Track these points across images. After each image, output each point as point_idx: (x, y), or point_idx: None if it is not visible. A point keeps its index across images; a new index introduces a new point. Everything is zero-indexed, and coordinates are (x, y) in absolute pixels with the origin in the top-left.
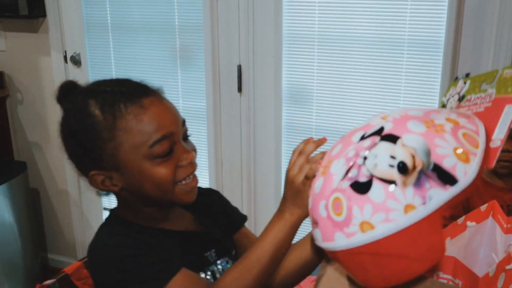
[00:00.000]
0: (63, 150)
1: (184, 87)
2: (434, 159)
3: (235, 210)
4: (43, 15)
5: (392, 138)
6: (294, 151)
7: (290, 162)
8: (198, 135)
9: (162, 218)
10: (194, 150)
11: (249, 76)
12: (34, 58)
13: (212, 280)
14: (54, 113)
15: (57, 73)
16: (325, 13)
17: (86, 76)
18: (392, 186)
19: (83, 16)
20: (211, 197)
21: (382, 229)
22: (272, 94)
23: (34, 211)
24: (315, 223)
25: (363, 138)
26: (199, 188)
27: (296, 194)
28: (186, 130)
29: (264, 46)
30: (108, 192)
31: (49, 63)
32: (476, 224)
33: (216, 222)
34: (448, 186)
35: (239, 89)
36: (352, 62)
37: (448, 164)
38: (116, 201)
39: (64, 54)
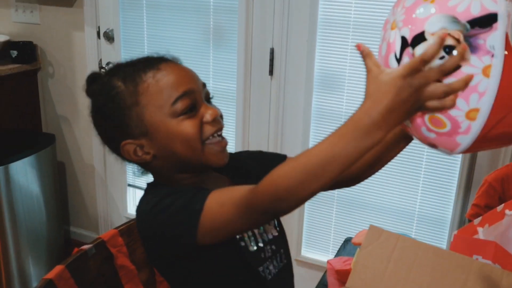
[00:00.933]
0: (96, 134)
1: (216, 68)
2: (463, 18)
3: (271, 155)
4: None
5: (419, 38)
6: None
7: (411, 67)
8: (227, 116)
9: (200, 183)
10: (219, 111)
11: (281, 59)
12: (68, 33)
13: (254, 245)
14: (83, 88)
15: (89, 48)
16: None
17: (118, 52)
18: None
19: None
20: (243, 157)
21: (484, 103)
22: (303, 79)
23: (60, 184)
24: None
25: (399, 60)
26: (230, 153)
27: (410, 105)
28: (208, 92)
29: (298, 30)
30: (142, 164)
31: (82, 38)
32: None
33: (252, 182)
34: (494, 25)
35: (271, 72)
36: None
37: (475, 10)
38: (148, 177)
39: (98, 29)
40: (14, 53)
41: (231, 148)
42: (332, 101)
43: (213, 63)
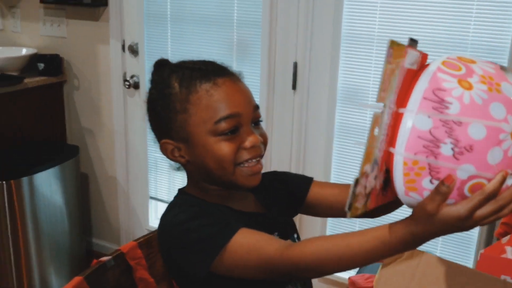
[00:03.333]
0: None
1: None
2: None
3: (297, 178)
4: (105, 4)
5: None
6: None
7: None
8: None
9: (227, 197)
10: (264, 137)
11: (304, 73)
12: (93, 46)
13: None
14: (108, 101)
15: (114, 62)
16: (386, 14)
17: (142, 65)
18: None
19: (144, 6)
20: (270, 178)
21: None
22: (326, 93)
23: (83, 195)
24: None
25: None
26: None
27: (441, 232)
28: (258, 116)
29: (321, 44)
30: (177, 163)
31: (107, 52)
32: None
33: (277, 203)
34: None
35: (294, 86)
36: None
37: None
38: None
39: (123, 43)
40: (41, 65)
41: None
42: (356, 115)
43: None
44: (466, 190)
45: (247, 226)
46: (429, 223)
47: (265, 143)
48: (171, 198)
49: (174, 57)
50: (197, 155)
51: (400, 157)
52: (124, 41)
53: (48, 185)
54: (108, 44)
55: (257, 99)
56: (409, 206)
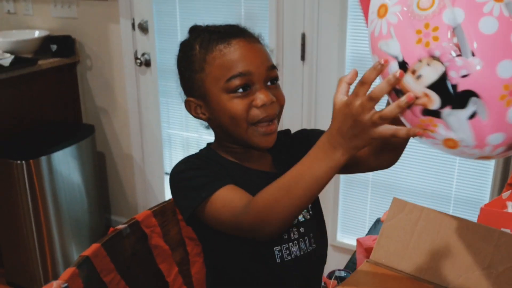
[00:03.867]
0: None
1: None
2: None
3: (312, 132)
4: None
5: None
6: (363, 82)
7: (357, 94)
8: None
9: (245, 157)
10: (280, 97)
11: (312, 44)
12: (104, 26)
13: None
14: (121, 79)
15: (125, 40)
16: None
17: (152, 43)
18: None
19: None
20: (296, 135)
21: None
22: (335, 63)
23: (100, 173)
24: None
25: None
26: (282, 130)
27: (357, 132)
28: (273, 75)
29: (329, 15)
30: (201, 120)
31: (118, 30)
32: None
33: (295, 162)
34: None
35: (302, 57)
36: None
37: None
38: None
39: (132, 21)
40: (54, 47)
41: None
42: None
43: None
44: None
45: (252, 184)
46: (333, 115)
47: (280, 103)
48: None
49: (183, 33)
50: (214, 112)
51: None
52: (133, 19)
53: (66, 163)
54: (118, 23)
55: None
56: None
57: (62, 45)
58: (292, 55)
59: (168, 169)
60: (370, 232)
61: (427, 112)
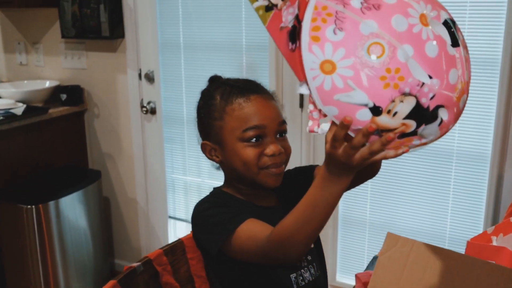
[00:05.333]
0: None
1: None
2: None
3: (305, 169)
4: (122, 36)
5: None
6: (335, 139)
7: (335, 147)
8: None
9: (253, 195)
10: (287, 148)
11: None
12: (112, 76)
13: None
14: (127, 126)
15: (132, 89)
16: None
17: (158, 92)
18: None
19: (158, 36)
20: (294, 173)
21: None
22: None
23: (105, 217)
24: None
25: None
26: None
27: (351, 166)
28: (283, 129)
29: None
30: (213, 162)
31: (125, 80)
32: None
33: (297, 196)
34: None
35: (301, 104)
36: None
37: None
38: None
39: (139, 71)
40: (64, 96)
41: None
42: None
43: None
44: (365, 49)
45: (262, 218)
46: (326, 161)
47: (287, 153)
48: (189, 216)
49: (188, 83)
50: (228, 156)
51: (312, 1)
52: (140, 69)
53: (73, 208)
54: (125, 74)
55: None
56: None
57: (71, 94)
58: (291, 102)
59: (172, 213)
60: (368, 268)
61: (404, 135)
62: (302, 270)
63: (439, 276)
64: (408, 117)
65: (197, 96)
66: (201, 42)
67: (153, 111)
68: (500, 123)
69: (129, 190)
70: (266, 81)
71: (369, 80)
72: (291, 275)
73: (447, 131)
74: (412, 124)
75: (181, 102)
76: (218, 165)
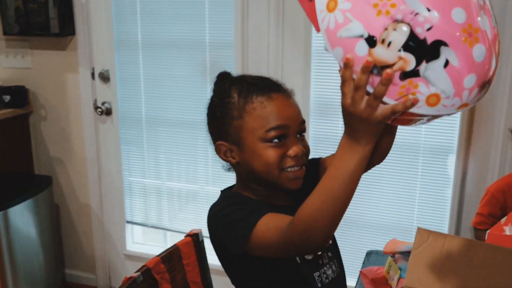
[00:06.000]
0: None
1: None
2: None
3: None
4: (73, 33)
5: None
6: (343, 81)
7: (344, 94)
8: None
9: (268, 195)
10: (306, 148)
11: None
12: (61, 75)
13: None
14: (78, 129)
15: (84, 90)
16: None
17: (114, 92)
18: None
19: (114, 33)
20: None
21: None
22: (300, 108)
23: (57, 226)
24: None
25: None
26: None
27: (365, 125)
28: (304, 129)
29: (293, 61)
30: (228, 165)
31: (76, 80)
32: None
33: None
34: None
35: None
36: None
37: None
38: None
39: (92, 71)
40: (7, 98)
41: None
42: (328, 127)
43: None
44: None
45: None
46: (344, 121)
47: (307, 154)
48: (148, 221)
49: (147, 82)
50: (247, 158)
51: None
52: (93, 68)
53: (22, 218)
54: (77, 73)
55: None
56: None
57: (15, 95)
58: None
59: (129, 217)
60: (364, 264)
61: (405, 75)
62: (325, 268)
63: (476, 268)
64: (404, 49)
65: (157, 96)
66: (161, 39)
67: (108, 112)
68: (465, 117)
69: (82, 195)
70: None
71: (363, 9)
72: (314, 274)
73: (461, 85)
74: (410, 58)
75: (140, 102)
76: (229, 166)
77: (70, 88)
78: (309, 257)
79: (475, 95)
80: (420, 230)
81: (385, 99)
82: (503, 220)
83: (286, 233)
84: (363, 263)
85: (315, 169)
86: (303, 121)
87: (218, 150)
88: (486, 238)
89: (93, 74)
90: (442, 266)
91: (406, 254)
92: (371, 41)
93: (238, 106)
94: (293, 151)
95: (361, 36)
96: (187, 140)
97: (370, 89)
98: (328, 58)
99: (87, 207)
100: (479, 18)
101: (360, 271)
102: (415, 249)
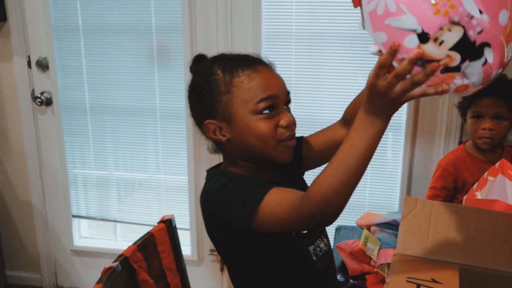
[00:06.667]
0: (188, 106)
1: (162, 88)
2: None
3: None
4: (4, 19)
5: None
6: (381, 65)
7: (378, 75)
8: (177, 134)
9: (259, 171)
10: (294, 118)
11: None
12: None
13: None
14: (15, 121)
15: (20, 79)
16: (303, 11)
17: (54, 81)
18: None
19: (51, 19)
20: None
21: None
22: None
23: None
24: None
25: None
26: None
27: (391, 104)
28: (289, 100)
29: (242, 45)
30: (217, 143)
31: (10, 69)
32: (494, 178)
33: (291, 169)
34: None
35: None
36: (329, 58)
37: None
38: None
39: (28, 59)
40: None
41: (183, 165)
42: None
43: (158, 82)
44: None
45: None
46: (365, 98)
47: (295, 124)
48: (96, 214)
49: (90, 69)
50: (239, 133)
51: None
52: (29, 56)
53: None
54: (10, 62)
55: (182, 104)
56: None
57: None
58: None
59: (76, 211)
60: (336, 240)
61: (447, 69)
62: (318, 241)
63: (463, 231)
64: (453, 48)
65: (101, 84)
66: (104, 24)
67: (48, 102)
68: None
69: (22, 192)
70: (181, 64)
71: (420, 5)
72: (309, 248)
73: (489, 78)
74: (456, 57)
75: (83, 91)
76: (215, 148)
77: (4, 78)
78: (304, 231)
79: (494, 76)
80: (408, 199)
81: None
82: (474, 186)
83: (301, 205)
84: (334, 239)
85: (298, 147)
86: (289, 92)
87: (206, 130)
88: (464, 203)
89: (29, 63)
90: (432, 232)
91: (382, 225)
92: (423, 37)
93: (224, 81)
94: (284, 121)
95: (414, 30)
96: (136, 128)
97: None
98: (279, 41)
99: (28, 204)
100: None
101: (336, 246)
102: (404, 218)
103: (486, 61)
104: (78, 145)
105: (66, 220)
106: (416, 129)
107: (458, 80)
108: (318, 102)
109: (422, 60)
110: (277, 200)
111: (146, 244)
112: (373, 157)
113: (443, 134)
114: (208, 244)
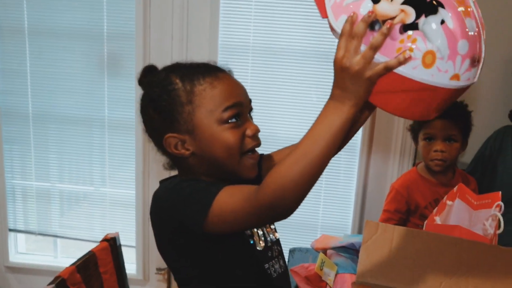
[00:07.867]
0: (142, 122)
1: (112, 97)
2: None
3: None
4: None
5: None
6: (341, 35)
7: (339, 47)
8: (125, 146)
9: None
10: (258, 127)
11: None
12: None
13: (263, 243)
14: None
15: None
16: (261, 24)
17: None
18: None
19: None
20: None
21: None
22: None
23: None
24: None
25: None
26: None
27: (355, 81)
28: (251, 108)
29: (198, 55)
30: (177, 158)
31: None
32: (452, 202)
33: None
34: None
35: None
36: (285, 73)
37: None
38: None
39: None
40: None
41: (131, 178)
42: None
43: (108, 91)
44: None
45: None
46: (335, 77)
47: (259, 132)
48: (35, 228)
49: (34, 74)
50: (204, 145)
51: None
52: None
53: None
54: None
55: (132, 114)
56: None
57: None
58: None
59: (12, 225)
60: (290, 262)
61: (405, 27)
62: (273, 261)
63: (425, 258)
64: (406, 2)
65: (46, 90)
66: (52, 27)
67: None
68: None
69: None
70: (132, 72)
71: None
72: (265, 265)
73: (455, 46)
74: (410, 11)
75: (26, 96)
76: (171, 164)
77: None
78: (260, 247)
79: (466, 68)
80: (368, 223)
81: (382, 58)
82: (434, 210)
83: (256, 195)
84: (288, 261)
85: (258, 163)
86: (251, 101)
87: (167, 145)
88: (424, 228)
89: None
90: (392, 257)
91: (339, 249)
92: None
93: (185, 90)
94: (251, 130)
95: None
96: (82, 138)
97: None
98: (236, 53)
99: None
100: (471, 1)
101: (290, 269)
102: (365, 243)
103: (443, 22)
104: (18, 154)
105: (1, 234)
106: (371, 150)
107: (421, 44)
108: (273, 117)
109: (379, 24)
110: (230, 193)
111: (86, 264)
112: (327, 177)
113: (397, 155)
114: (154, 262)
